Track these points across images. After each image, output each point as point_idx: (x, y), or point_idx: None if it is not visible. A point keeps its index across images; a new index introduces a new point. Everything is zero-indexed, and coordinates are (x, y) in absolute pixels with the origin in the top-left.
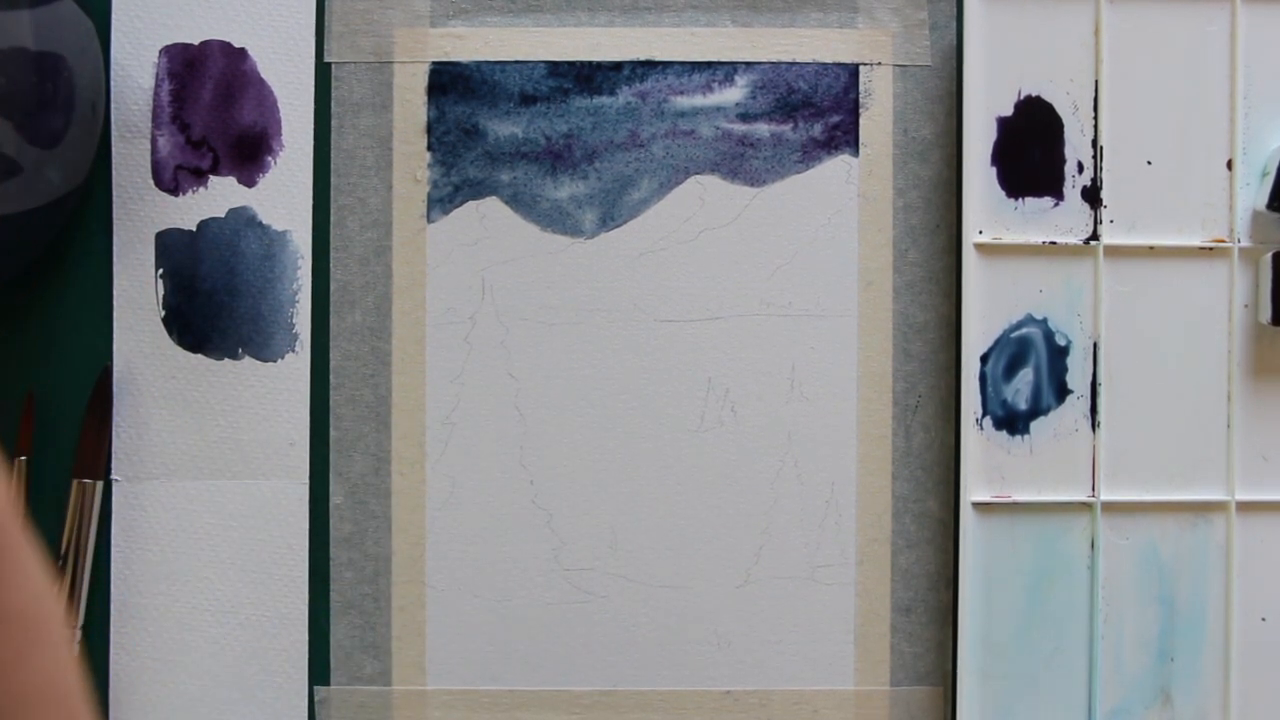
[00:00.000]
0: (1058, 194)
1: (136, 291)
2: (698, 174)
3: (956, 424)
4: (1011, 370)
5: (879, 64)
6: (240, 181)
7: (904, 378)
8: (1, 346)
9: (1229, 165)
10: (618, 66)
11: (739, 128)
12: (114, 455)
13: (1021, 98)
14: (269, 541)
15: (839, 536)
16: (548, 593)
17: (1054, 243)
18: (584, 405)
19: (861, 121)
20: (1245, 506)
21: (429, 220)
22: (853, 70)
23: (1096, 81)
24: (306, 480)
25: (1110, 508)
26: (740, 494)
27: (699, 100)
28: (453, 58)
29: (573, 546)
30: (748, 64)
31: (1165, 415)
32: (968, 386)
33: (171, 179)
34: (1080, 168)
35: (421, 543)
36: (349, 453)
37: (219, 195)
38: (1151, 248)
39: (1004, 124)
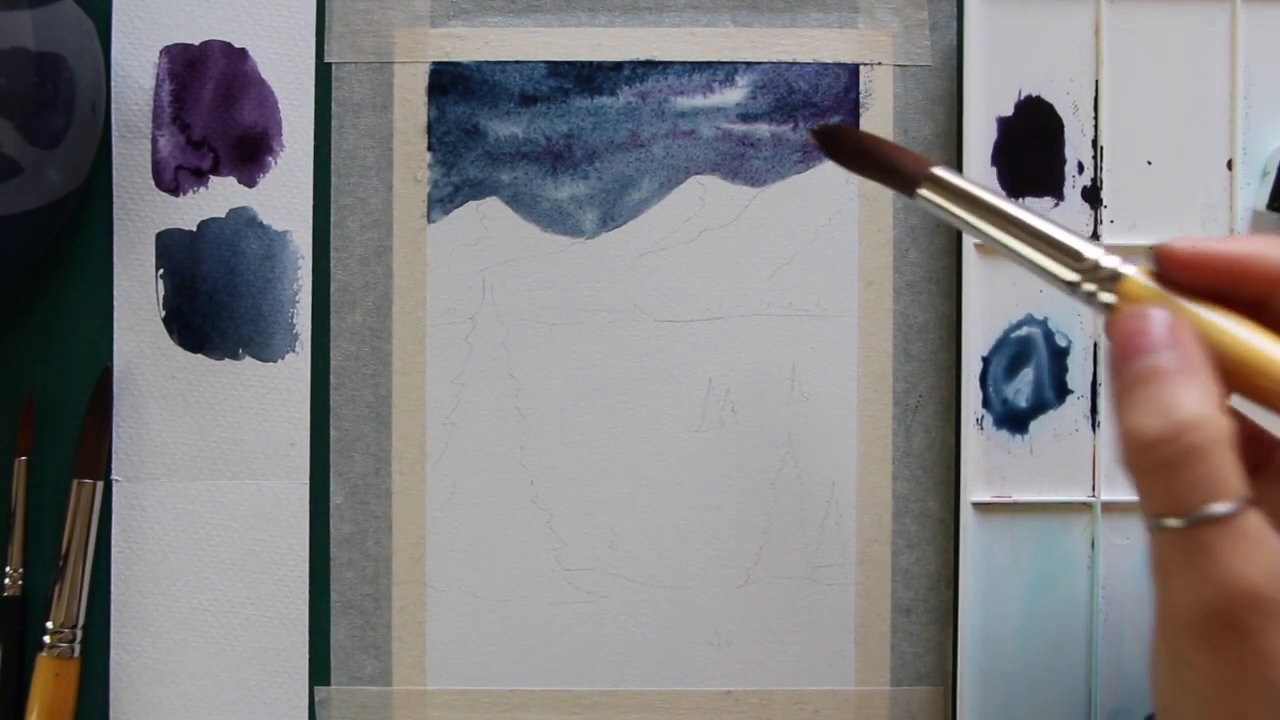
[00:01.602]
0: (1058, 194)
1: (136, 291)
2: (698, 174)
3: (956, 424)
4: (1012, 370)
5: (879, 64)
6: (240, 182)
7: (904, 378)
8: (1, 346)
9: (1229, 165)
10: (618, 67)
11: (739, 128)
12: (114, 455)
13: (1021, 98)
14: (269, 541)
15: (839, 536)
16: (548, 593)
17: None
18: (584, 405)
19: (862, 122)
20: None
21: (429, 220)
22: (853, 70)
23: (1096, 81)
24: (307, 480)
25: (1110, 508)
26: (740, 494)
27: (699, 100)
28: (453, 58)
29: (573, 547)
30: (748, 64)
31: None
32: (968, 386)
33: (172, 179)
34: (1080, 168)
35: (422, 543)
36: (349, 453)
37: (219, 195)
38: (1152, 248)
39: (1004, 124)
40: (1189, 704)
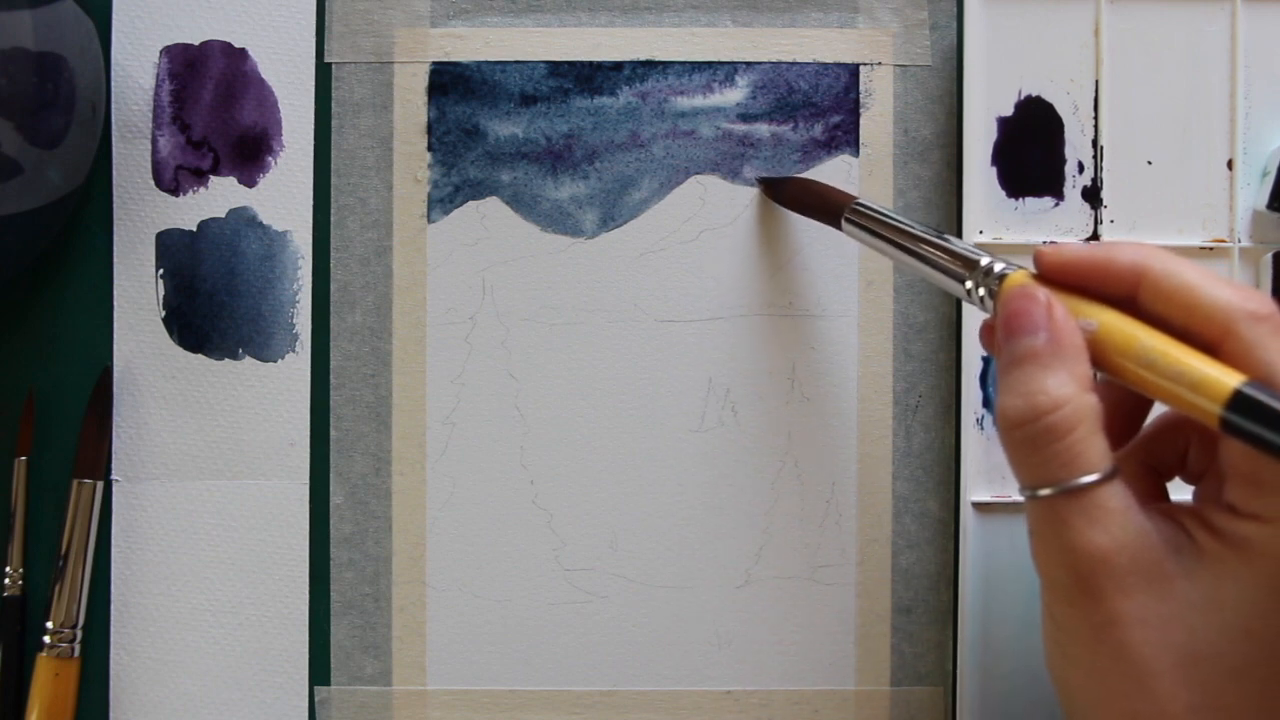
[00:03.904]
0: (1058, 194)
1: (136, 291)
2: (698, 174)
3: (957, 424)
4: None
5: (879, 64)
6: (240, 182)
7: (904, 378)
8: (1, 346)
9: (1229, 165)
10: (618, 66)
11: (739, 128)
12: (114, 455)
13: (1021, 98)
14: (269, 541)
15: (839, 536)
16: (548, 593)
17: (1054, 243)
18: (584, 405)
19: (862, 121)
20: None
21: (429, 220)
22: (853, 70)
23: (1096, 81)
24: (306, 480)
25: None
26: (740, 494)
27: (699, 100)
28: (453, 58)
29: (573, 547)
30: (748, 64)
31: None
32: (968, 386)
33: (172, 179)
34: (1080, 168)
35: (421, 543)
36: (349, 453)
37: (219, 195)
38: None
39: (1004, 124)
40: (1067, 668)
